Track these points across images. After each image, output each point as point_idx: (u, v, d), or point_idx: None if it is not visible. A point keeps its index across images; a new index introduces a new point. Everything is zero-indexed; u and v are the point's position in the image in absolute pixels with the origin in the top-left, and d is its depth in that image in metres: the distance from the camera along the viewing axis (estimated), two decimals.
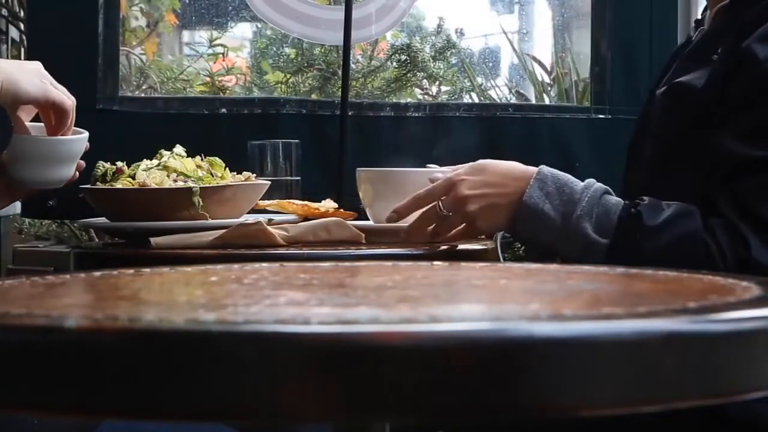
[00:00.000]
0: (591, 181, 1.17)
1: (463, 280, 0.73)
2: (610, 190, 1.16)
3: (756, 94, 1.08)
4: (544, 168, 1.18)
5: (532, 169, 1.19)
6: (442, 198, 1.22)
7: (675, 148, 1.17)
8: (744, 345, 0.46)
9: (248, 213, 1.42)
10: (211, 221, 1.32)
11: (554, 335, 0.42)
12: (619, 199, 1.15)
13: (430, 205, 1.24)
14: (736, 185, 1.08)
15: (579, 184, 1.16)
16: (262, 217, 1.34)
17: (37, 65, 1.23)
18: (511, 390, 0.42)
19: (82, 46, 2.33)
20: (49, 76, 1.22)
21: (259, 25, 3.36)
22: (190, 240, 1.27)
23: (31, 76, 1.19)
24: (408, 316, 0.50)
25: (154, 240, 1.27)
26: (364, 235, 1.32)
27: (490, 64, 3.39)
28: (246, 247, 1.24)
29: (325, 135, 2.30)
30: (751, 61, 1.08)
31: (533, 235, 1.19)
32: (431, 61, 3.12)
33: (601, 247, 1.12)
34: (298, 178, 1.79)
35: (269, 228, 1.26)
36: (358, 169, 1.50)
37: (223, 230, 1.27)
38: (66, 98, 1.22)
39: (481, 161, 1.23)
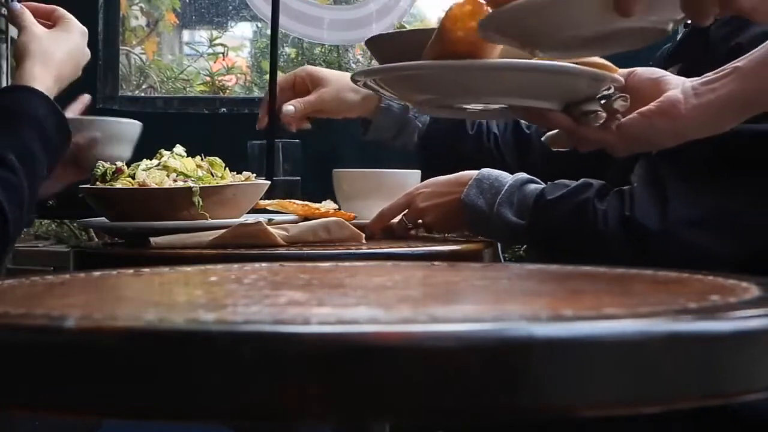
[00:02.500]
0: (520, 173, 1.26)
1: (463, 280, 0.73)
2: (536, 179, 1.25)
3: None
4: (486, 170, 1.29)
5: (477, 173, 1.29)
6: (405, 212, 1.37)
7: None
8: (745, 345, 0.46)
9: (248, 213, 1.42)
10: (211, 221, 1.32)
11: (554, 336, 0.42)
12: (539, 185, 1.23)
13: (398, 218, 1.38)
14: (658, 157, 1.10)
15: (508, 177, 1.26)
16: (262, 217, 1.34)
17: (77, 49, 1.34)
18: (511, 390, 0.42)
19: None
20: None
21: (259, 25, 3.36)
22: (190, 240, 1.27)
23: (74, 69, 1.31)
24: (408, 316, 0.50)
25: (153, 240, 1.27)
26: (364, 235, 1.32)
27: None
28: (246, 247, 1.24)
29: (326, 134, 2.30)
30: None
31: (479, 230, 1.30)
32: None
33: (522, 229, 1.21)
34: (298, 178, 1.79)
35: (269, 228, 1.26)
36: (334, 170, 1.54)
37: (223, 230, 1.26)
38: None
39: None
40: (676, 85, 1.00)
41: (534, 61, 0.96)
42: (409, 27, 3.30)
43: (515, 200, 1.23)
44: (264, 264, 0.82)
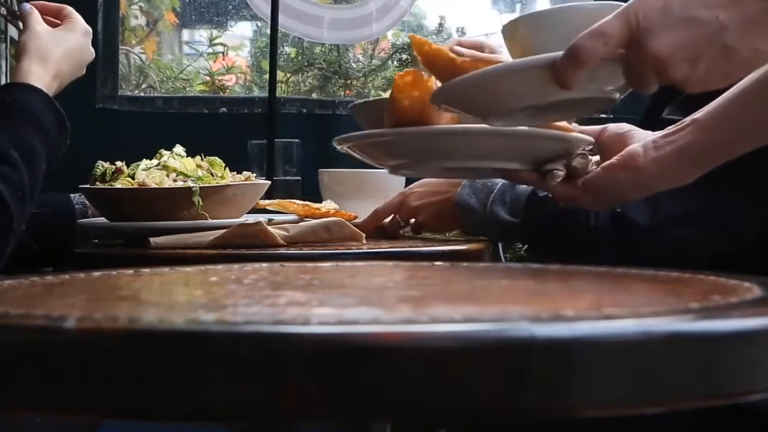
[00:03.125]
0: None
1: (463, 280, 0.73)
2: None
3: None
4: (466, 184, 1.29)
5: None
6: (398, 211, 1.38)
7: None
8: (746, 346, 0.46)
9: (249, 213, 1.43)
10: (211, 221, 1.32)
11: (555, 336, 0.42)
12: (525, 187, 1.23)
13: (390, 218, 1.40)
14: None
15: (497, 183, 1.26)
16: (262, 217, 1.34)
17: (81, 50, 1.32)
18: (512, 390, 0.42)
19: None
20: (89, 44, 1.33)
21: (259, 24, 3.36)
22: (190, 240, 1.27)
23: (75, 68, 1.29)
24: (409, 316, 0.50)
25: (153, 240, 1.27)
26: (364, 235, 1.32)
27: None
28: (246, 247, 1.25)
29: (326, 134, 2.30)
30: None
31: (472, 229, 1.31)
32: None
33: (515, 226, 1.22)
34: (299, 178, 1.80)
35: (269, 228, 1.26)
36: (320, 170, 1.55)
37: (223, 230, 1.27)
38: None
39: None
40: (640, 139, 1.01)
41: (489, 127, 0.99)
42: (408, 29, 3.30)
43: (508, 199, 1.24)
44: (264, 264, 0.82)
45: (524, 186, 1.23)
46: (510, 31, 0.98)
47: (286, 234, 1.29)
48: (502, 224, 1.23)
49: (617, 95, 0.89)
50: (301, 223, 1.35)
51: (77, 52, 1.32)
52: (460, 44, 1.24)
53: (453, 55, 0.90)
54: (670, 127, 1.01)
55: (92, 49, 1.34)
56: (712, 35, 0.72)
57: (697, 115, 0.97)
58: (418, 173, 1.24)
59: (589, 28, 0.78)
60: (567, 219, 1.17)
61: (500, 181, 1.25)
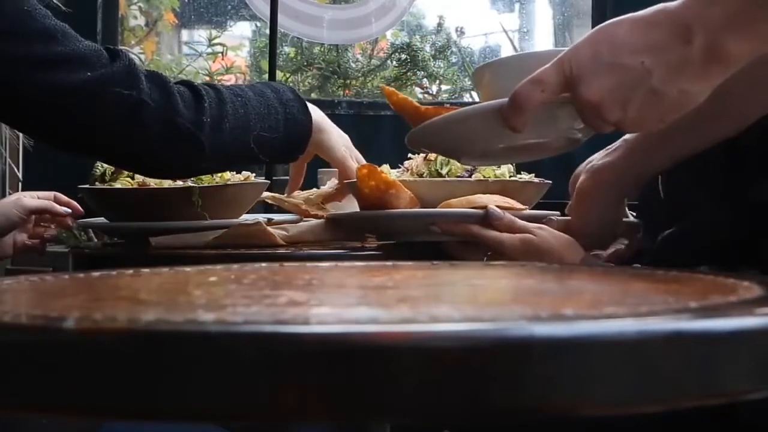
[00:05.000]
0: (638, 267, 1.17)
1: (463, 279, 0.73)
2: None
3: None
4: (588, 260, 1.16)
5: (578, 259, 1.16)
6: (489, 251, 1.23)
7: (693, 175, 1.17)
8: (746, 345, 0.46)
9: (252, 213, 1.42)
10: (210, 221, 1.32)
11: (555, 335, 0.42)
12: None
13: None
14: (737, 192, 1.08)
15: None
16: (261, 217, 1.34)
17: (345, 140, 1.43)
18: (512, 390, 0.42)
19: None
20: (354, 151, 1.43)
21: (259, 24, 3.36)
22: (190, 240, 1.27)
23: (340, 142, 1.40)
24: (408, 316, 0.50)
25: (153, 240, 1.27)
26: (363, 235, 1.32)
27: None
28: (246, 247, 1.25)
29: None
30: None
31: None
32: (431, 59, 3.12)
33: None
34: None
35: (269, 228, 1.26)
36: (319, 170, 1.55)
37: (223, 230, 1.26)
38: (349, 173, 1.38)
39: (533, 243, 1.19)
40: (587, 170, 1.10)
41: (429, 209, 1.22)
42: (407, 29, 3.30)
43: None
44: (264, 264, 0.82)
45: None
46: (477, 78, 1.06)
47: (286, 234, 1.29)
48: None
49: (580, 135, 0.93)
50: (301, 224, 1.35)
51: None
52: None
53: (417, 104, 1.01)
54: (602, 150, 1.10)
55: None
56: (638, 80, 0.76)
57: (628, 135, 1.03)
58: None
59: (529, 76, 0.81)
60: None
61: None
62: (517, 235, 1.19)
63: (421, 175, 1.33)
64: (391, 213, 1.25)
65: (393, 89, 1.08)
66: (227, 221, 1.32)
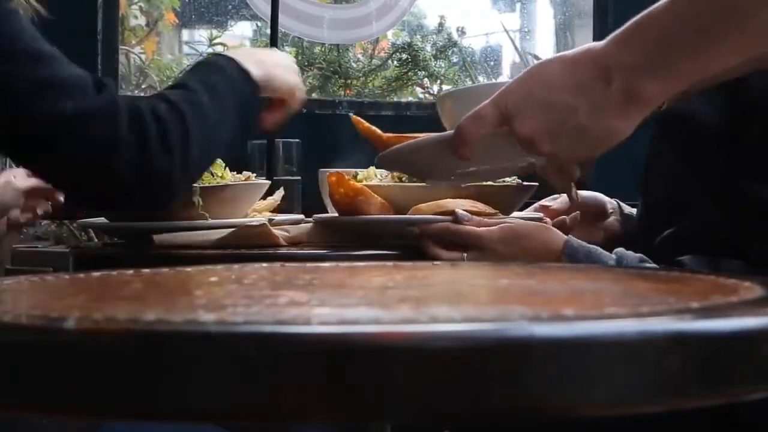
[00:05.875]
0: (620, 251, 1.16)
1: (464, 280, 0.73)
2: (645, 257, 1.13)
3: None
4: (572, 241, 1.19)
5: (559, 243, 1.19)
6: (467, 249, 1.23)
7: (688, 182, 1.16)
8: (747, 345, 0.46)
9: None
10: (211, 221, 1.32)
11: (556, 335, 0.42)
12: (655, 266, 1.11)
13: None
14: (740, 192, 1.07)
15: (611, 258, 1.15)
16: (261, 218, 1.35)
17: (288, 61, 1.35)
18: (513, 390, 0.42)
19: (81, 45, 2.33)
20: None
21: (259, 24, 3.36)
22: (194, 238, 1.27)
23: (287, 72, 1.31)
24: (409, 316, 0.50)
25: (156, 237, 1.27)
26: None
27: (492, 63, 3.40)
28: (247, 247, 1.25)
29: (326, 134, 2.30)
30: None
31: None
32: (432, 59, 3.12)
33: None
34: (299, 178, 1.79)
35: (272, 229, 1.26)
36: (320, 170, 1.55)
37: (227, 230, 1.27)
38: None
39: (512, 228, 1.22)
40: None
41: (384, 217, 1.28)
42: (407, 28, 3.30)
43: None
44: (264, 264, 0.82)
45: (651, 268, 1.17)
46: (440, 105, 1.21)
47: (287, 234, 1.29)
48: None
49: (533, 159, 0.99)
50: (301, 224, 1.36)
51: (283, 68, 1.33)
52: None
53: (380, 132, 1.18)
54: None
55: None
56: (565, 117, 0.82)
57: None
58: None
59: (471, 111, 0.88)
60: None
61: (610, 260, 1.16)
62: (494, 226, 1.22)
63: (401, 179, 1.35)
64: (368, 219, 1.29)
65: (359, 118, 1.23)
66: (227, 221, 1.32)
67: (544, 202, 1.45)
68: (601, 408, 0.44)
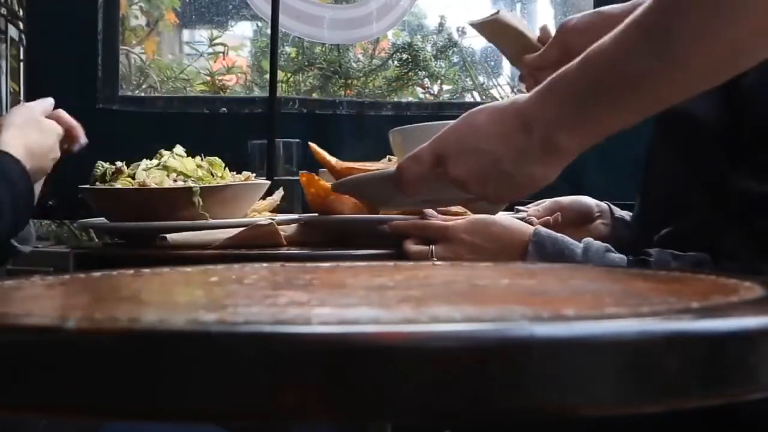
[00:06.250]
0: (589, 240, 1.17)
1: (464, 280, 0.73)
2: (611, 247, 1.16)
3: None
4: (540, 230, 1.20)
5: (527, 232, 1.20)
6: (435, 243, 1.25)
7: (684, 179, 1.16)
8: (747, 345, 0.46)
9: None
10: (211, 221, 1.32)
11: (556, 335, 0.42)
12: (622, 256, 1.14)
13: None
14: (753, 224, 1.06)
15: (578, 246, 1.16)
16: (269, 218, 1.35)
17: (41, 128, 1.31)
18: (513, 390, 0.42)
19: (81, 46, 2.33)
20: (50, 125, 1.32)
21: (260, 24, 3.36)
22: (205, 237, 1.28)
23: (44, 160, 1.28)
24: (409, 316, 0.50)
25: (170, 237, 1.27)
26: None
27: (492, 63, 3.39)
28: (247, 246, 1.25)
29: (327, 134, 2.30)
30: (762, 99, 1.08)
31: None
32: (432, 59, 3.12)
33: None
34: (299, 178, 1.79)
35: (278, 229, 1.27)
36: (320, 170, 1.55)
37: (235, 229, 1.27)
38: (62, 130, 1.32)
39: (477, 218, 1.24)
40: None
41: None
42: (408, 29, 3.30)
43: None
44: (265, 264, 0.82)
45: (618, 257, 1.15)
46: (392, 139, 1.31)
47: (284, 233, 1.30)
48: None
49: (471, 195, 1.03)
50: (293, 224, 1.36)
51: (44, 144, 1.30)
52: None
53: (333, 163, 1.26)
54: None
55: (58, 151, 1.32)
56: (492, 163, 0.88)
57: None
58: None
59: (410, 153, 0.96)
60: None
61: (578, 249, 1.17)
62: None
63: None
64: (340, 218, 1.32)
65: (316, 147, 1.33)
66: (228, 221, 1.33)
67: (521, 207, 1.46)
68: (601, 408, 0.44)
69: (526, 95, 0.87)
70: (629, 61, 0.78)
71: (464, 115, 0.92)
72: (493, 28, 1.32)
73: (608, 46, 0.79)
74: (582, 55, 0.82)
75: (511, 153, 0.87)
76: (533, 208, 1.45)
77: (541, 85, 0.85)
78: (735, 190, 1.08)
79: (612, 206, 1.44)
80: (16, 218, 1.20)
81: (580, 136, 0.84)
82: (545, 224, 1.33)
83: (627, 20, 0.79)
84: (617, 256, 1.14)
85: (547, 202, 1.45)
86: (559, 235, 1.19)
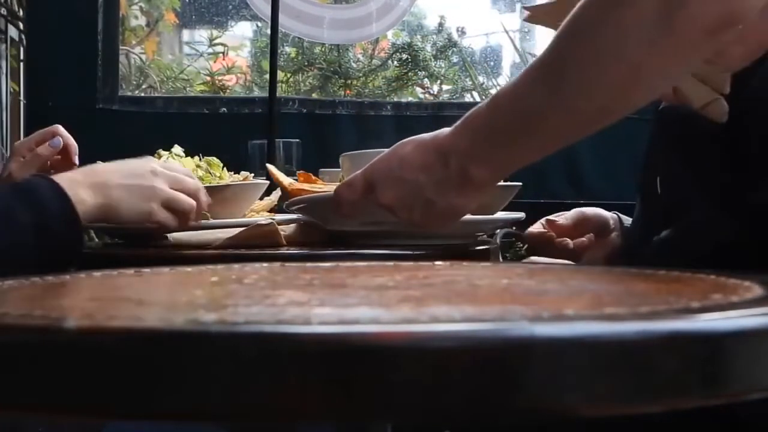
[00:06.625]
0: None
1: (464, 280, 0.73)
2: None
3: None
4: None
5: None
6: None
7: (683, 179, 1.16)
8: (747, 345, 0.46)
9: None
10: (211, 221, 1.32)
11: (556, 335, 0.42)
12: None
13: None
14: (756, 226, 1.06)
15: None
16: (269, 219, 1.35)
17: (148, 176, 1.18)
18: (513, 390, 0.42)
19: (81, 46, 2.33)
20: (163, 189, 1.17)
21: (260, 24, 3.36)
22: (205, 237, 1.28)
23: (136, 200, 1.16)
24: (409, 316, 0.50)
25: (171, 236, 1.28)
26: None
27: (492, 63, 3.40)
28: (246, 247, 1.25)
29: (326, 134, 2.30)
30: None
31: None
32: (432, 59, 3.12)
33: None
34: None
35: (278, 229, 1.28)
36: (320, 170, 1.55)
37: (236, 229, 1.27)
38: (182, 210, 1.20)
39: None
40: None
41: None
42: (407, 29, 3.29)
43: None
44: (265, 264, 0.82)
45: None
46: (342, 163, 1.37)
47: (284, 233, 1.30)
48: None
49: None
50: (291, 224, 1.36)
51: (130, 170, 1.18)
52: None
53: (286, 183, 1.32)
54: None
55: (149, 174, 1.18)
56: (416, 192, 0.94)
57: None
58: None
59: (345, 179, 1.03)
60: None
61: None
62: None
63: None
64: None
65: (272, 168, 1.36)
66: (228, 221, 1.33)
67: (551, 217, 1.46)
68: (601, 408, 0.44)
69: (448, 129, 0.93)
70: (525, 101, 0.84)
71: (394, 145, 0.98)
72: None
73: (512, 85, 0.86)
74: (495, 93, 0.90)
75: (431, 183, 0.93)
76: (558, 220, 1.44)
77: (459, 121, 0.91)
78: (736, 193, 1.08)
79: (621, 216, 1.44)
80: (47, 240, 1.05)
81: (492, 168, 0.90)
82: (581, 245, 1.33)
83: (533, 60, 0.85)
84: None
85: (572, 213, 1.44)
86: None
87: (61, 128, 1.41)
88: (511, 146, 0.88)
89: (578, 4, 0.81)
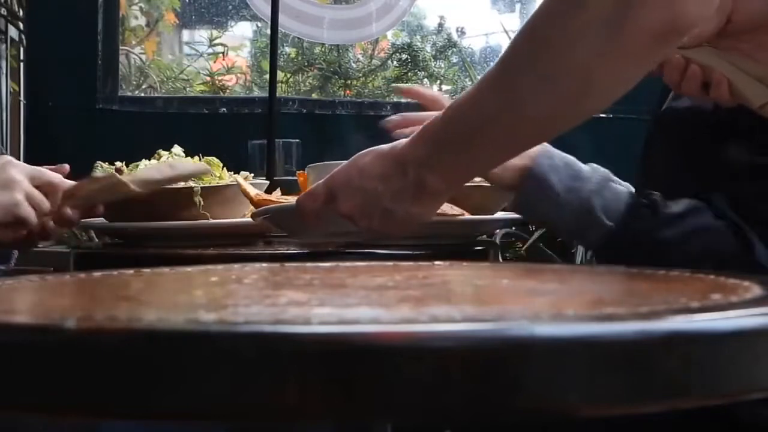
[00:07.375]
0: (594, 165, 1.14)
1: (464, 279, 0.73)
2: (613, 176, 1.13)
3: None
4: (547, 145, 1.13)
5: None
6: None
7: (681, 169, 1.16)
8: (746, 345, 0.46)
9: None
10: (211, 221, 1.32)
11: (556, 335, 0.42)
12: (627, 184, 1.12)
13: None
14: (736, 190, 1.07)
15: (584, 166, 1.13)
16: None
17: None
18: (513, 390, 0.42)
19: (81, 46, 2.33)
20: (18, 179, 1.18)
21: (260, 24, 3.36)
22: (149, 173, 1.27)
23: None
24: (409, 316, 0.50)
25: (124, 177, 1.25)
26: (209, 168, 1.33)
27: (492, 63, 3.39)
28: (239, 245, 1.25)
29: (326, 134, 2.30)
30: None
31: (531, 213, 1.15)
32: (432, 60, 3.13)
33: (604, 229, 1.07)
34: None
35: (122, 178, 1.23)
36: (308, 166, 1.55)
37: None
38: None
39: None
40: None
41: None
42: (407, 29, 3.30)
43: (603, 195, 1.09)
44: (264, 264, 0.82)
45: (622, 186, 1.12)
46: (309, 174, 1.38)
47: (134, 179, 1.25)
48: (592, 220, 1.06)
49: None
50: (148, 167, 1.34)
51: None
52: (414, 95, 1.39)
53: (252, 195, 1.30)
54: None
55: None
56: (375, 200, 0.95)
57: None
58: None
59: (308, 189, 1.04)
60: (696, 242, 1.08)
61: (590, 170, 1.13)
62: None
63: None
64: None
65: (241, 180, 1.34)
66: (228, 221, 1.33)
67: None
68: (600, 408, 0.44)
69: (406, 140, 0.94)
70: (478, 109, 0.85)
71: (355, 155, 1.00)
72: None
73: (467, 93, 0.87)
74: (450, 103, 0.90)
75: (389, 192, 0.94)
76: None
77: (417, 130, 0.93)
78: (733, 188, 1.08)
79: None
80: None
81: (447, 178, 0.91)
82: None
83: (486, 72, 0.87)
84: (621, 185, 1.11)
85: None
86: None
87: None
88: (466, 155, 0.89)
89: (534, 11, 0.82)
